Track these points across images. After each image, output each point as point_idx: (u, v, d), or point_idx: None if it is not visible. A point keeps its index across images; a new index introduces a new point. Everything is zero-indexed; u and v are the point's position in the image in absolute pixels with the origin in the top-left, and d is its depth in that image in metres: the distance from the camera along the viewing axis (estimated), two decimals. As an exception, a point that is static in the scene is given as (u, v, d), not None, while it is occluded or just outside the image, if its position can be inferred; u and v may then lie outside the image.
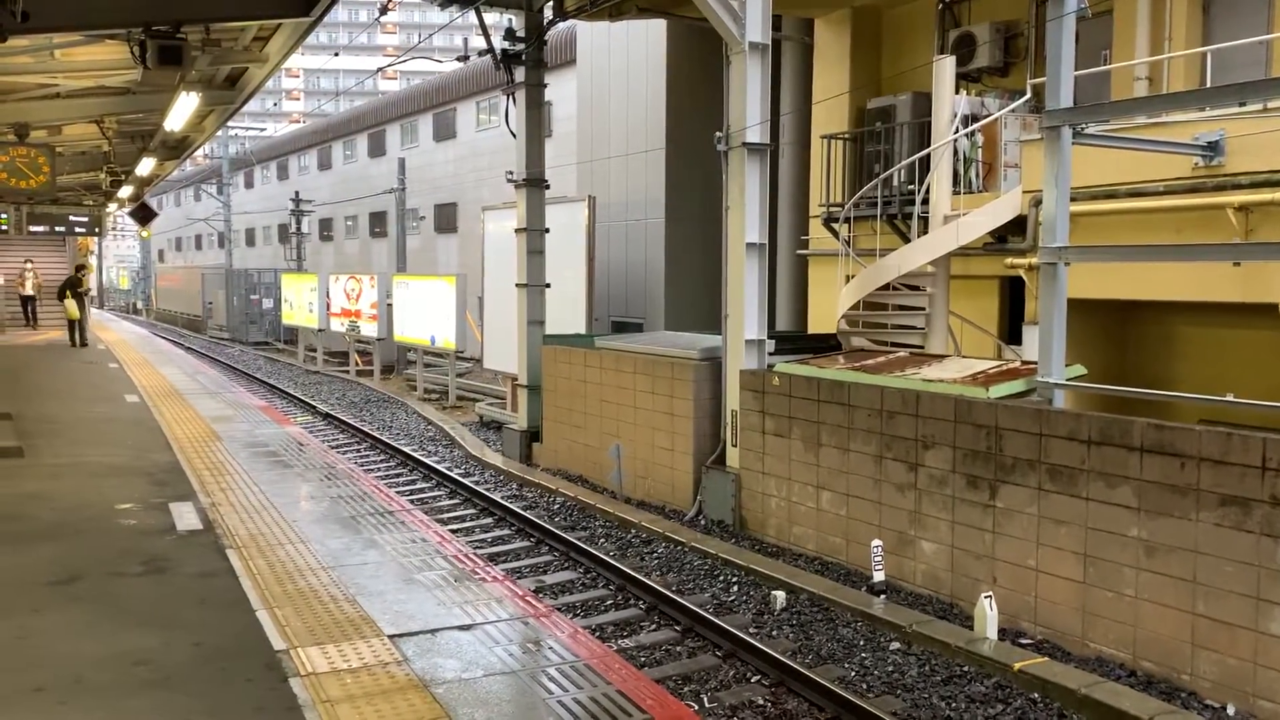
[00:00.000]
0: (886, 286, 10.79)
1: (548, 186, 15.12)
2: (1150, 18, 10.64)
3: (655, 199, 19.15)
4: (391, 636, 5.24)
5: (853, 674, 7.12)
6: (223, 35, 10.56)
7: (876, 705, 6.44)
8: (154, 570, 6.38)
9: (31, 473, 9.32)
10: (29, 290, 27.75)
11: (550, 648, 5.20)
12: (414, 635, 5.27)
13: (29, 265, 28.32)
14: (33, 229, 22.85)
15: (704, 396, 11.24)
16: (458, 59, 19.29)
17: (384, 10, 19.36)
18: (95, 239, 34.08)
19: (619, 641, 7.79)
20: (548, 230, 15.09)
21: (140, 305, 64.72)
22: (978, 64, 12.34)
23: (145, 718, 4.29)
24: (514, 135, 14.89)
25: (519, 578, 9.38)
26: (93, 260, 45.67)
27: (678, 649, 7.69)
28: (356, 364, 26.92)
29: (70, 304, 23.09)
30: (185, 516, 7.70)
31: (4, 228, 22.57)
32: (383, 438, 16.51)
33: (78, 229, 23.97)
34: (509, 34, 14.63)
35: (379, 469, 14.61)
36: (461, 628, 5.42)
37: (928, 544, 8.51)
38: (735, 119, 10.69)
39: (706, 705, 6.61)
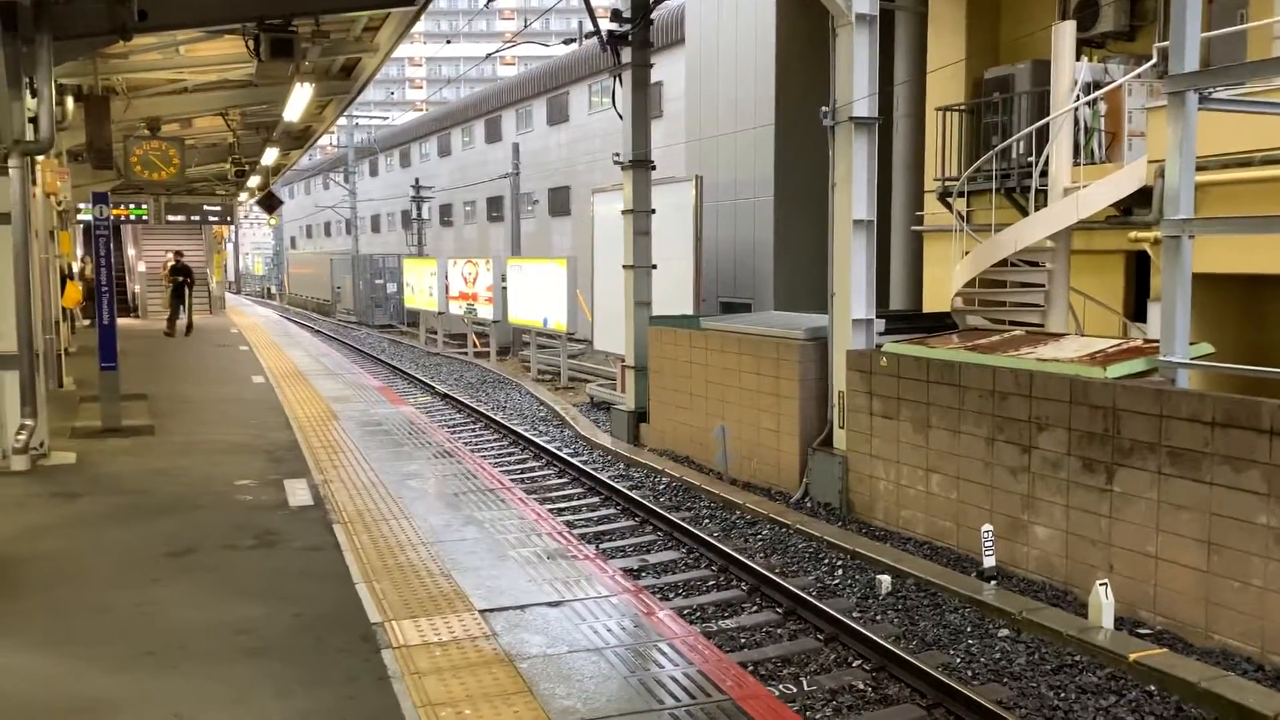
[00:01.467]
0: (1004, 263, 10.41)
1: (654, 167, 15.07)
2: (1291, -28, 9.95)
3: (764, 177, 18.91)
4: (482, 611, 5.32)
5: (957, 660, 6.92)
6: (333, 27, 10.86)
7: (980, 693, 6.23)
8: (264, 544, 6.64)
9: (161, 450, 9.80)
10: None
11: (637, 627, 5.20)
12: (504, 610, 5.34)
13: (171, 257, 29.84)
14: (170, 218, 24.05)
15: (810, 377, 11.07)
16: (563, 42, 19.37)
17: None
18: (229, 227, 35.69)
19: (719, 623, 7.74)
20: (654, 211, 15.05)
21: (274, 290, 67.39)
22: (1101, 29, 11.74)
23: (243, 683, 4.46)
24: (620, 117, 14.90)
25: (622, 556, 9.43)
26: (229, 247, 47.77)
27: (778, 631, 7.60)
28: (474, 345, 27.48)
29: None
30: (298, 493, 7.98)
31: (145, 217, 23.86)
32: (496, 417, 16.80)
33: (211, 218, 25.12)
34: (615, 15, 14.61)
35: (492, 448, 14.87)
36: (550, 604, 5.47)
37: (1041, 529, 8.20)
38: (842, 93, 10.45)
39: (805, 688, 6.52)
